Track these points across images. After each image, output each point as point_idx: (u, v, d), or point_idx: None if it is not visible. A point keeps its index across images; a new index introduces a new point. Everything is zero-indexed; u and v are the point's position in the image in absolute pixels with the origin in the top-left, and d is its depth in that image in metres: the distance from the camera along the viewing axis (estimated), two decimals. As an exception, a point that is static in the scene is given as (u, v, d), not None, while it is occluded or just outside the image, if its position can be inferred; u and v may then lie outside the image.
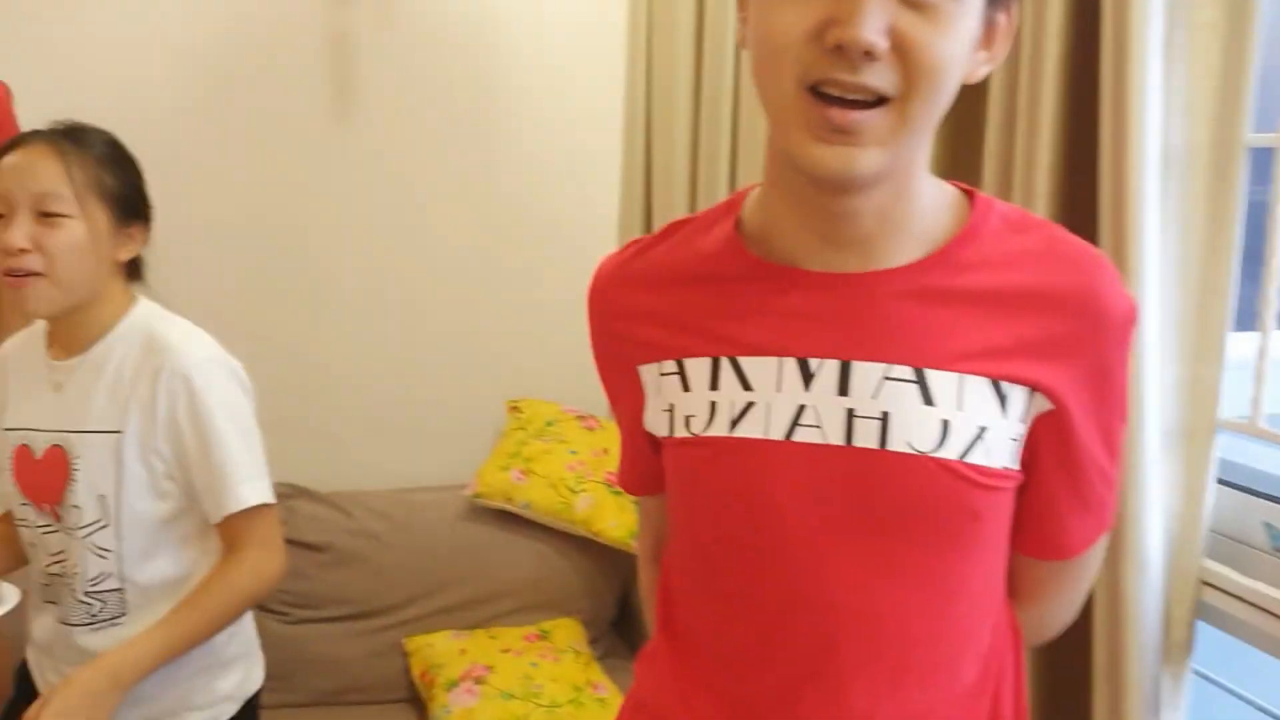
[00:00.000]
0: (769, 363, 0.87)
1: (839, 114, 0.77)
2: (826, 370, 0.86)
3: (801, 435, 0.87)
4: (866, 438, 0.86)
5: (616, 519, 2.47)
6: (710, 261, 0.92)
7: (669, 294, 0.94)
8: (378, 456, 2.72)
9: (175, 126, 2.43)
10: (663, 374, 0.94)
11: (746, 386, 0.88)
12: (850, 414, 0.86)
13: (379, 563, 2.46)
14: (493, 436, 2.75)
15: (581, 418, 2.67)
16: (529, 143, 2.72)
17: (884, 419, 0.85)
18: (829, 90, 0.77)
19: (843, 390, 0.86)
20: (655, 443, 0.98)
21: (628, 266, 0.98)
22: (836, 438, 0.86)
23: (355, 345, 2.70)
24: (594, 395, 2.76)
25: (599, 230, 2.78)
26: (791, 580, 0.89)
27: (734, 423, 0.88)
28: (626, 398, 1.00)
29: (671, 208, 2.58)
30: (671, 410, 0.93)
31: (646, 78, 2.65)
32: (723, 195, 2.42)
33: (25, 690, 1.55)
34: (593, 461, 2.54)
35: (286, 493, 2.45)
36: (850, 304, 0.87)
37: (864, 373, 0.86)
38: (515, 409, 2.71)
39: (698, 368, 0.91)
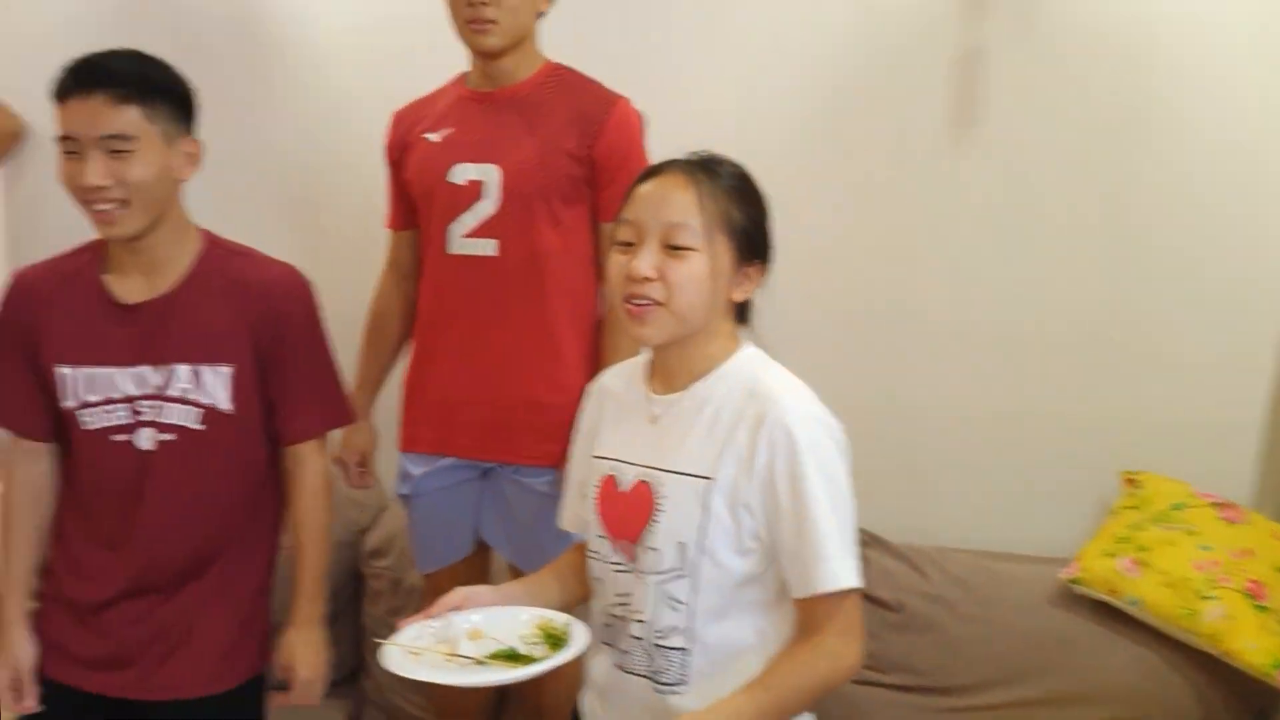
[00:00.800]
0: None
1: None
2: None
3: None
4: None
5: (1257, 641, 1.98)
6: None
7: None
8: (962, 512, 2.48)
9: (790, 151, 2.39)
10: None
11: None
12: None
13: (952, 634, 2.23)
14: (1098, 510, 2.39)
15: (1219, 505, 2.20)
16: (1183, 174, 2.31)
17: None
18: None
19: None
20: None
21: None
22: None
23: (953, 388, 2.47)
24: (1235, 478, 2.30)
25: (1266, 285, 2.30)
26: None
27: None
28: None
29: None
30: None
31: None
32: None
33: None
34: (1231, 563, 2.08)
35: (861, 539, 2.30)
36: None
37: None
38: (1132, 483, 2.32)
39: None
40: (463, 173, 1.94)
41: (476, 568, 2.11)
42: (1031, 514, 2.43)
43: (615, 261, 1.39)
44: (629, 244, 1.38)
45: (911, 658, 2.21)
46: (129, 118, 1.56)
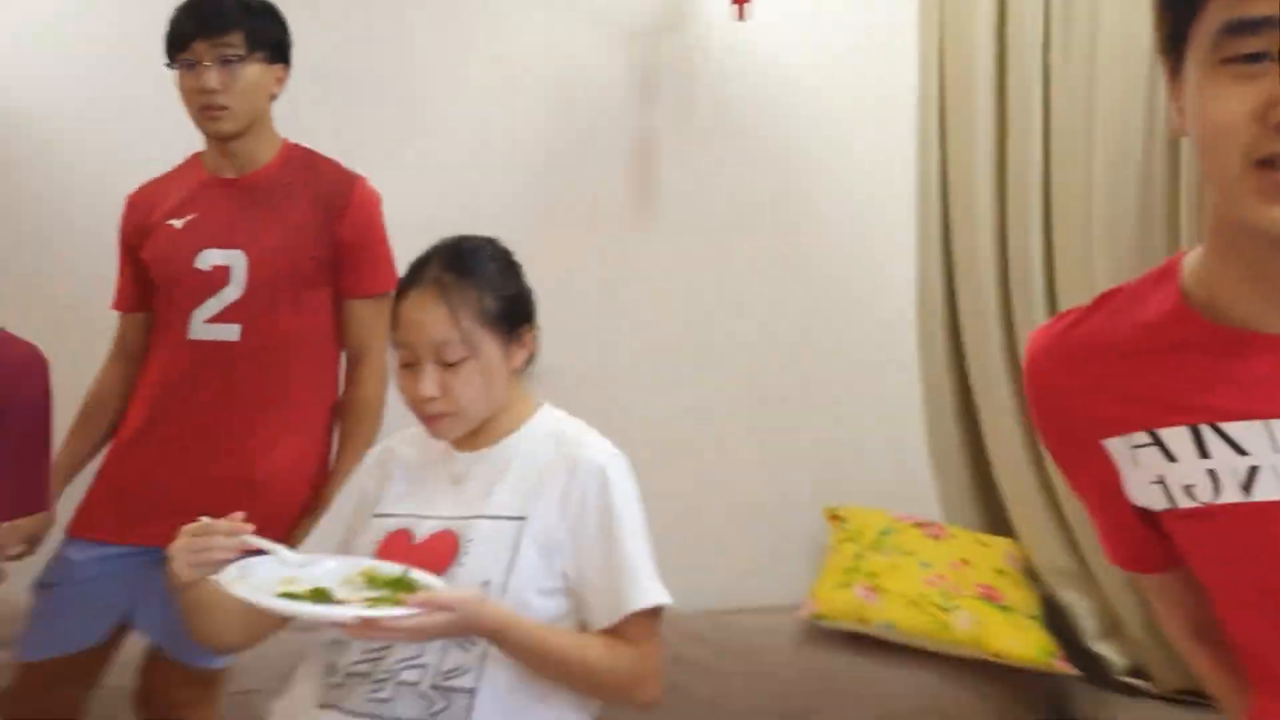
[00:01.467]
0: (1255, 426, 0.89)
1: None
2: None
3: None
4: None
5: (1015, 636, 2.19)
6: (1156, 331, 0.95)
7: (1117, 365, 0.96)
8: (682, 575, 2.42)
9: (499, 228, 2.39)
10: (1135, 446, 0.95)
11: (1240, 451, 0.89)
12: None
13: (707, 694, 2.19)
14: (807, 550, 2.53)
15: (921, 525, 2.44)
16: (825, 234, 2.64)
17: None
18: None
19: None
20: (1144, 515, 0.99)
21: (1065, 340, 1.01)
22: None
23: (655, 454, 2.41)
24: (923, 500, 2.55)
25: (899, 323, 2.64)
26: None
27: (1245, 488, 0.89)
28: (1092, 472, 1.01)
29: (979, 292, 2.47)
30: (1163, 482, 0.94)
31: (940, 160, 2.62)
32: (1037, 271, 2.42)
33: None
34: (954, 574, 2.30)
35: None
36: None
37: None
38: (837, 518, 2.50)
39: (1176, 437, 0.92)
40: (209, 259, 1.89)
41: (102, 656, 1.96)
42: (748, 564, 2.52)
43: (403, 381, 1.48)
44: (409, 364, 1.47)
45: (689, 713, 2.13)
46: None
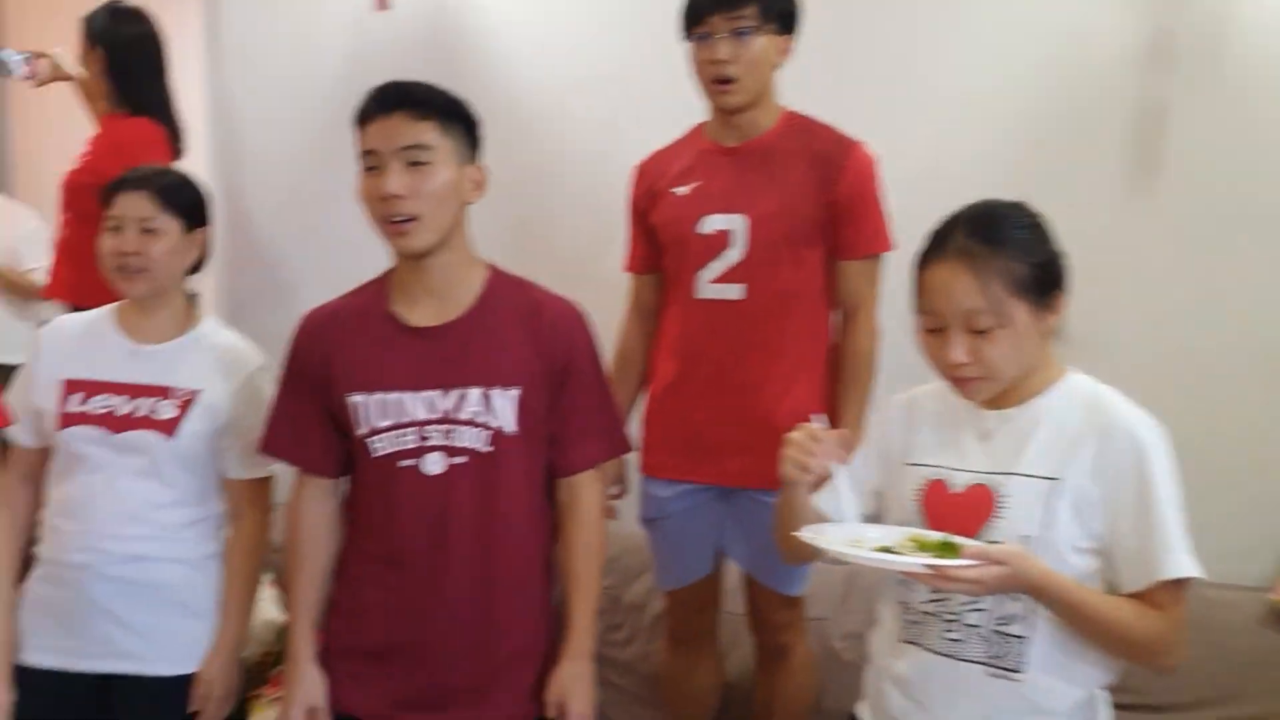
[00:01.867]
0: None
1: None
2: None
3: None
4: None
5: None
6: None
7: None
8: None
9: (987, 192, 2.54)
10: None
11: None
12: None
13: None
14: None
15: None
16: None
17: None
18: None
19: None
20: None
21: None
22: None
23: None
24: None
25: None
26: None
27: None
28: None
29: None
30: None
31: None
32: None
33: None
34: None
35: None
36: None
37: None
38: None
39: None
40: (711, 224, 2.06)
41: (714, 584, 2.26)
42: (1223, 542, 2.40)
43: (929, 345, 1.49)
44: (935, 330, 1.47)
45: (1131, 678, 2.20)
46: (427, 131, 1.65)
